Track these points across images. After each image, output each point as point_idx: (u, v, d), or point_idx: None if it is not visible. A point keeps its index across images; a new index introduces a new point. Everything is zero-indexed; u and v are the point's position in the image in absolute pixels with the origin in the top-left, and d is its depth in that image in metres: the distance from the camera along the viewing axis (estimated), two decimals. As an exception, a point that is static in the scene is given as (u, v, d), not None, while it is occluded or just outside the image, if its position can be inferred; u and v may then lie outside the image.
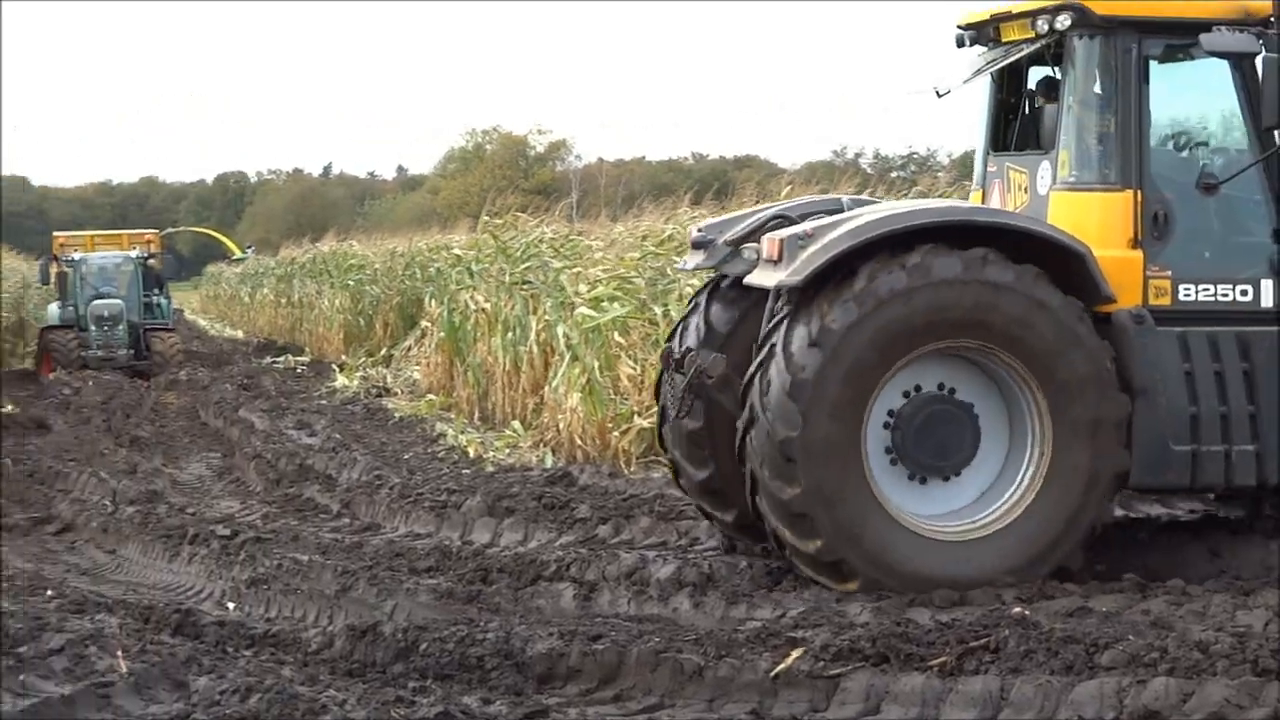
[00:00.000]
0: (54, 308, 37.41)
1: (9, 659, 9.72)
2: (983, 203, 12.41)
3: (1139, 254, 11.44)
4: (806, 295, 10.88)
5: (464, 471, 18.13)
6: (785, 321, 10.93)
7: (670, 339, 12.59)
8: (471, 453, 19.99)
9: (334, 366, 34.59)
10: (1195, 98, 12.20)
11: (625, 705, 9.00)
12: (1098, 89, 11.56)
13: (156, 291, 38.08)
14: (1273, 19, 11.68)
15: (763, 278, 11.18)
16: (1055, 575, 10.98)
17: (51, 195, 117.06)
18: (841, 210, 11.99)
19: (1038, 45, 11.84)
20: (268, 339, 50.74)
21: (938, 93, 12.54)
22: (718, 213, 28.62)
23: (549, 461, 18.97)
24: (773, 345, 10.92)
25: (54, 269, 38.07)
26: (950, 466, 11.21)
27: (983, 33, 12.47)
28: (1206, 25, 11.53)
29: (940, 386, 11.18)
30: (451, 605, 11.29)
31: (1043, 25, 11.73)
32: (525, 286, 23.37)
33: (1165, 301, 11.49)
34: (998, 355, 11.03)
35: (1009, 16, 12.17)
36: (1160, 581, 11.03)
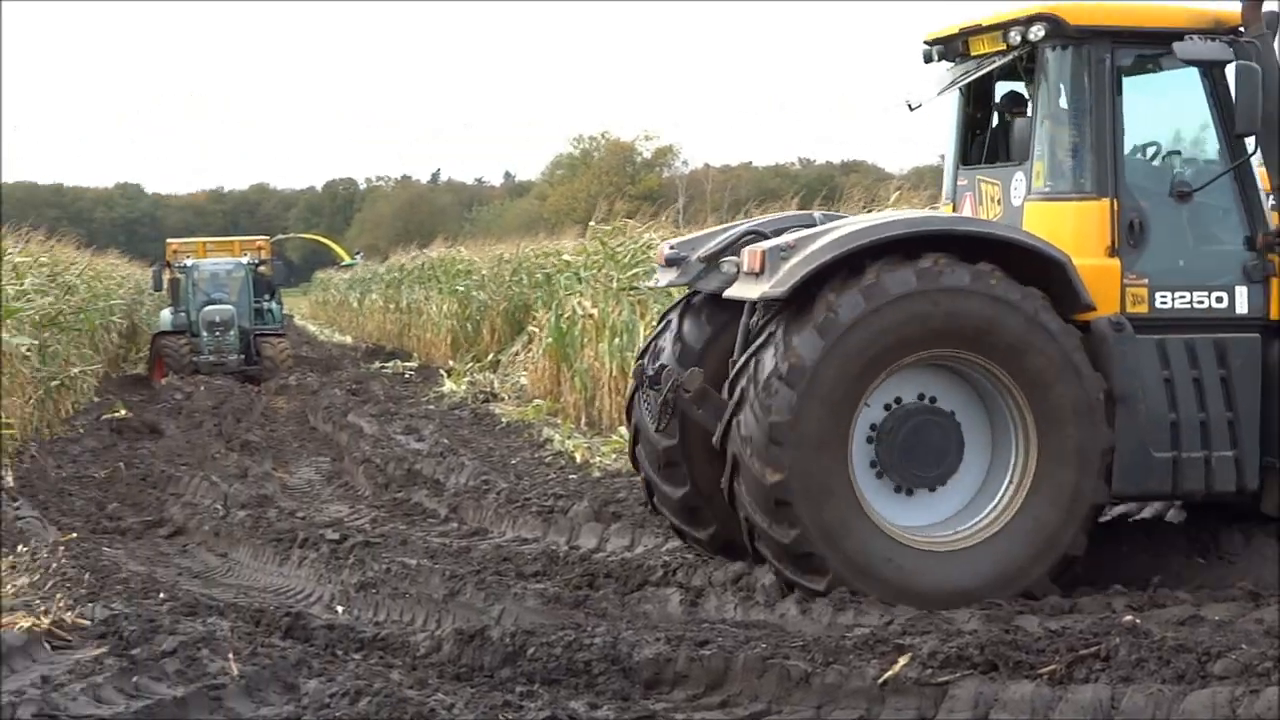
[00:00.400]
0: (167, 313, 37.83)
1: (123, 661, 9.85)
2: None
3: (1116, 262, 11.46)
4: (805, 293, 10.80)
5: (570, 476, 18.17)
6: (787, 314, 10.84)
7: (641, 356, 12.57)
8: (578, 458, 20.03)
9: (442, 372, 34.77)
10: (1167, 106, 12.22)
11: (732, 711, 8.97)
12: (1071, 99, 11.57)
13: (267, 297, 38.43)
14: (1242, 27, 11.70)
15: (745, 290, 11.12)
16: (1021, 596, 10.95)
17: (165, 202, 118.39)
18: (813, 224, 11.97)
19: (1010, 57, 11.83)
20: (376, 344, 51.11)
21: (910, 106, 12.61)
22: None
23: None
24: (770, 335, 10.87)
25: (167, 275, 38.51)
26: (936, 477, 11.19)
27: (950, 47, 12.48)
28: (1178, 34, 11.56)
29: (921, 396, 11.17)
30: (558, 610, 11.32)
31: (1015, 37, 11.71)
32: (632, 292, 23.43)
33: (1143, 309, 11.52)
34: (990, 371, 11.01)
35: (979, 30, 12.14)
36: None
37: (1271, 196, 11.87)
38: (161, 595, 11.90)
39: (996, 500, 11.12)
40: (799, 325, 10.72)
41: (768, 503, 10.75)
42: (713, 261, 11.87)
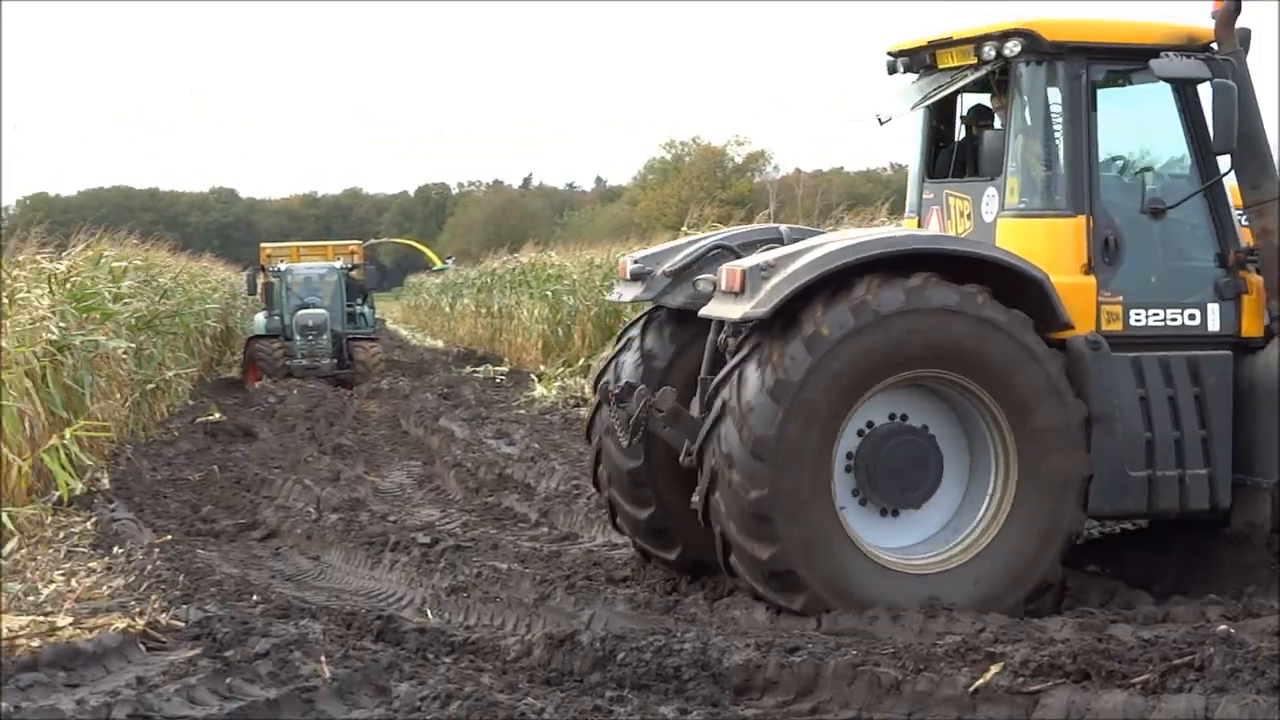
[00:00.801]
0: (260, 317, 38.12)
1: (216, 662, 9.93)
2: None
3: (1092, 280, 11.40)
4: (782, 312, 10.66)
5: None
6: (771, 329, 10.67)
7: (603, 374, 12.42)
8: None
9: (532, 376, 34.86)
10: (1139, 123, 12.15)
11: (822, 718, 8.95)
12: (1047, 115, 11.50)
13: (359, 301, 38.65)
14: (1215, 44, 11.67)
15: (723, 309, 10.92)
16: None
17: (259, 207, 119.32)
18: (780, 239, 11.94)
19: (983, 71, 11.73)
20: (467, 349, 51.29)
21: (880, 120, 12.48)
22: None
23: None
24: (754, 348, 10.70)
25: (261, 279, 38.80)
26: (916, 498, 11.09)
27: (917, 59, 12.38)
28: (1153, 51, 11.50)
29: (901, 417, 11.06)
30: (648, 615, 11.35)
31: (989, 51, 11.61)
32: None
33: (1117, 327, 11.47)
34: (973, 394, 10.90)
35: (949, 43, 12.06)
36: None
37: (1243, 214, 11.91)
38: (254, 598, 11.99)
39: (973, 525, 11.03)
40: (785, 340, 10.58)
41: (747, 518, 10.59)
42: (679, 276, 11.77)
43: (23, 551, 14.69)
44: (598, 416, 12.27)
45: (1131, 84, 11.77)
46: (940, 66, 12.17)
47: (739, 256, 11.59)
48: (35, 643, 10.55)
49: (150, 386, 26.21)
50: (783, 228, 12.31)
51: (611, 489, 12.29)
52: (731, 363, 10.82)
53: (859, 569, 10.62)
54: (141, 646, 10.42)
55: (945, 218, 12.18)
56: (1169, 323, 11.59)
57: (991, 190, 11.75)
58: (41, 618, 11.39)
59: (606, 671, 9.67)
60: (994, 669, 8.91)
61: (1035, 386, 10.76)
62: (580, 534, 15.42)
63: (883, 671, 9.01)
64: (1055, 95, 11.47)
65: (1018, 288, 10.98)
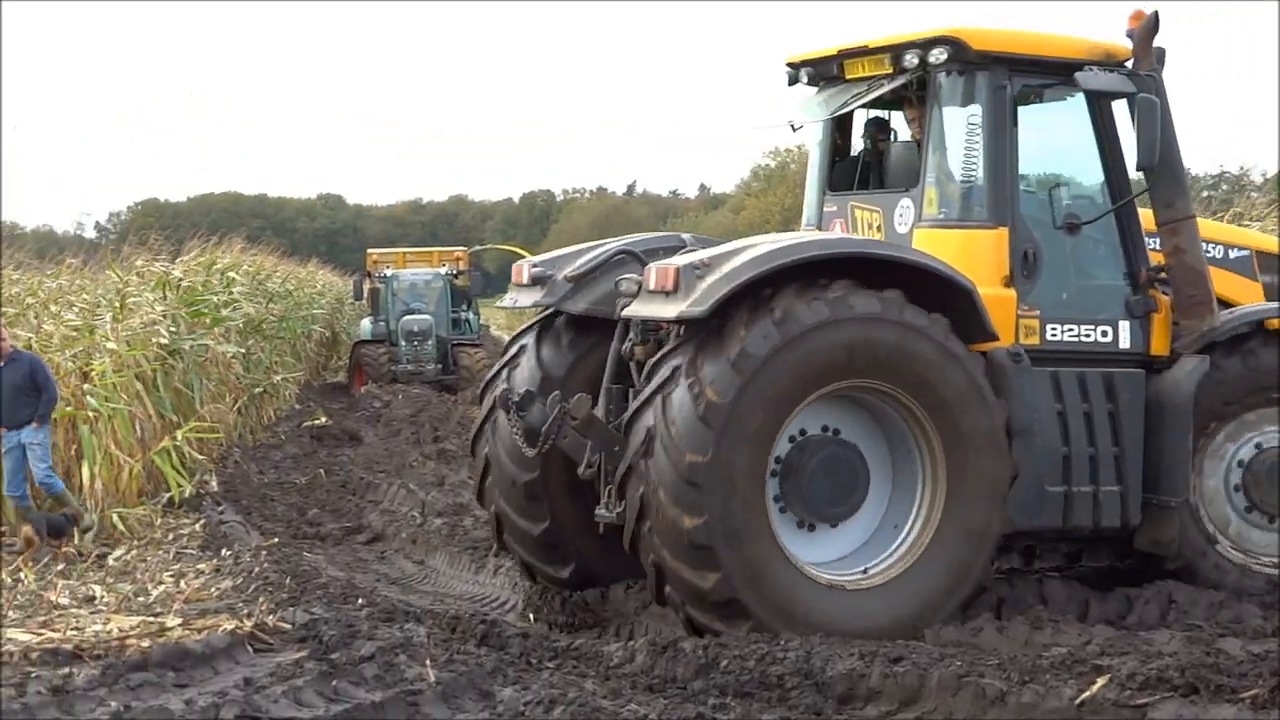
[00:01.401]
0: (366, 323, 38.39)
1: (322, 665, 10.01)
2: None
3: (1012, 293, 11.28)
4: (707, 325, 10.35)
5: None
6: (691, 346, 10.36)
7: (492, 381, 11.96)
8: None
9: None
10: (1055, 138, 12.00)
11: (925, 729, 8.92)
12: (969, 126, 11.33)
13: (464, 307, 38.83)
14: (1132, 61, 11.60)
15: (653, 309, 10.50)
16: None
17: (366, 213, 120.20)
18: (683, 246, 11.63)
19: (904, 79, 11.52)
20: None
21: (793, 127, 12.27)
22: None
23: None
24: (676, 369, 10.33)
25: (367, 285, 39.08)
26: (840, 513, 10.80)
27: (822, 70, 12.14)
28: (1075, 65, 11.44)
29: (824, 429, 10.76)
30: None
31: (911, 60, 11.40)
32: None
33: (1034, 341, 11.36)
34: (900, 401, 10.69)
35: (862, 52, 11.80)
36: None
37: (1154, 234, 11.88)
38: (360, 601, 12.08)
39: (904, 535, 10.80)
40: (709, 358, 10.24)
41: (685, 548, 10.23)
42: (581, 282, 11.43)
43: (133, 553, 14.90)
44: (487, 426, 11.78)
45: (1048, 99, 11.64)
46: (849, 76, 11.95)
47: (643, 262, 11.20)
48: (145, 643, 10.70)
49: (258, 390, 26.48)
50: (686, 236, 12.02)
51: (501, 502, 11.78)
52: (652, 385, 10.40)
53: (801, 590, 10.35)
54: (249, 648, 10.53)
55: (850, 230, 11.97)
56: (1083, 339, 11.54)
57: (906, 201, 11.58)
58: (151, 618, 11.55)
59: (709, 679, 9.66)
60: (1100, 681, 8.83)
61: (960, 390, 10.59)
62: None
63: (987, 683, 8.95)
64: (977, 106, 11.32)
65: (943, 297, 10.76)
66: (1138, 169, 11.48)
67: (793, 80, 12.34)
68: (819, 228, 12.24)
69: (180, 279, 23.57)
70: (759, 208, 78.27)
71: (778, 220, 64.12)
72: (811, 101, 12.23)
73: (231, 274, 27.88)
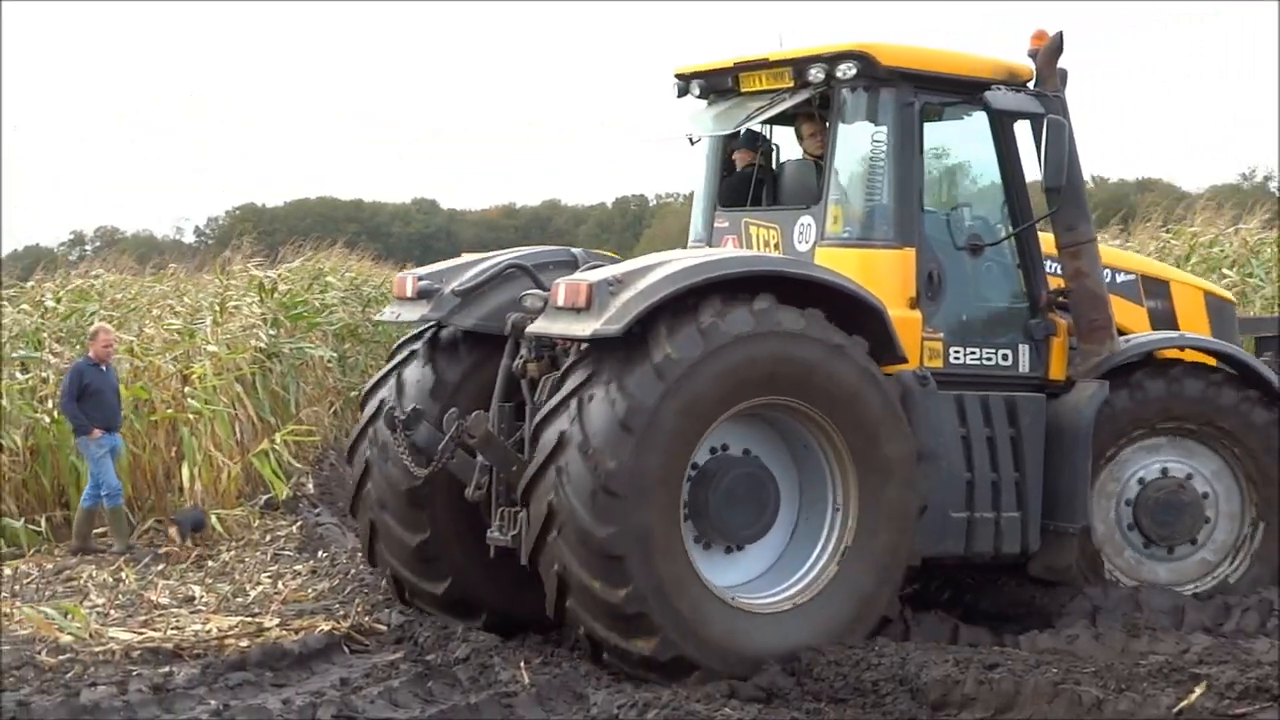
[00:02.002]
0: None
1: (418, 666, 10.09)
2: None
3: (918, 315, 11.02)
4: (618, 341, 9.83)
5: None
6: (604, 357, 9.86)
7: (371, 393, 11.37)
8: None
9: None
10: (957, 157, 11.83)
11: (1020, 736, 8.87)
12: (874, 143, 11.06)
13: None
14: (1039, 81, 11.44)
15: (563, 326, 9.99)
16: None
17: (459, 218, 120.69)
18: (574, 261, 11.24)
19: (808, 94, 11.24)
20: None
21: (691, 140, 11.98)
22: (1120, 238, 28.19)
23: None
24: (590, 375, 9.83)
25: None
26: (749, 534, 10.33)
27: (714, 82, 11.82)
28: (981, 84, 11.26)
29: (726, 448, 10.27)
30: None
31: (817, 74, 11.08)
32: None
33: (938, 364, 11.11)
34: (815, 422, 10.26)
35: (762, 65, 11.49)
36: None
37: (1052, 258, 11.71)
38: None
39: (812, 562, 10.37)
40: (630, 366, 9.78)
41: (596, 558, 9.64)
42: (469, 296, 10.93)
43: (231, 553, 15.05)
44: (368, 432, 11.21)
45: (949, 117, 11.44)
46: (744, 90, 11.65)
47: (535, 277, 10.94)
48: (244, 643, 10.83)
49: (353, 394, 26.65)
50: (577, 251, 11.54)
51: (379, 511, 11.11)
52: (564, 391, 9.92)
53: (709, 609, 9.86)
54: (345, 649, 10.64)
55: (745, 246, 11.62)
56: (984, 362, 11.33)
57: (807, 219, 11.26)
58: (249, 619, 11.67)
59: (803, 685, 9.66)
60: (1199, 690, 8.78)
61: (877, 413, 10.24)
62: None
63: (1084, 690, 8.90)
64: (884, 123, 11.04)
65: (854, 318, 10.39)
66: (1045, 190, 11.27)
67: (682, 92, 11.99)
68: (709, 244, 11.89)
69: (274, 283, 23.79)
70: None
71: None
72: (705, 115, 11.90)
73: (329, 279, 28.10)
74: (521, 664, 9.91)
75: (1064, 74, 11.54)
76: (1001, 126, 11.43)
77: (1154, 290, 12.68)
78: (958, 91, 11.30)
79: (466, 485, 10.57)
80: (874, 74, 11.00)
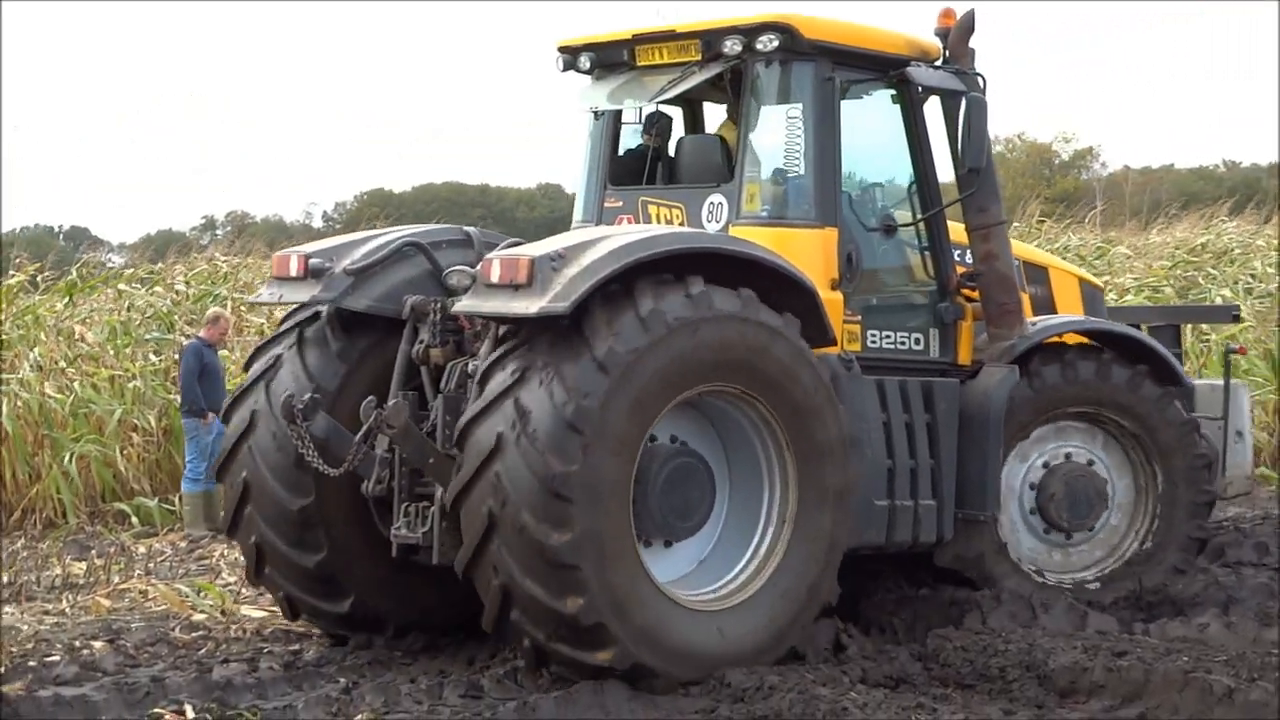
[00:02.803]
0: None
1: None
2: None
3: (839, 296, 10.56)
4: (554, 324, 9.16)
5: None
6: (540, 346, 9.18)
7: (246, 393, 10.23)
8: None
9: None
10: (870, 135, 11.20)
11: (1149, 724, 8.79)
12: (790, 119, 10.61)
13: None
14: (952, 58, 11.15)
15: (500, 305, 9.18)
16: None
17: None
18: (470, 241, 10.53)
19: (723, 66, 10.73)
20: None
21: (595, 114, 11.41)
22: (1254, 222, 27.82)
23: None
24: (524, 370, 9.08)
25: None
26: (687, 528, 9.72)
27: (607, 55, 11.19)
28: (897, 60, 10.94)
29: (654, 439, 9.55)
30: (971, 613, 11.21)
31: (733, 46, 10.57)
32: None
33: (857, 348, 10.71)
34: (753, 406, 9.71)
35: (666, 36, 10.95)
36: None
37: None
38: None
39: (753, 552, 9.80)
40: (567, 359, 9.06)
41: (546, 568, 8.90)
42: (361, 275, 10.07)
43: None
44: (243, 446, 10.12)
45: (860, 94, 11.01)
46: (641, 63, 11.08)
47: (431, 255, 10.22)
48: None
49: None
50: (471, 230, 10.74)
51: (266, 531, 10.10)
52: (495, 388, 9.14)
53: (665, 613, 9.25)
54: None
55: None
56: (899, 346, 11.02)
57: (718, 198, 10.72)
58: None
59: (930, 670, 9.64)
60: (1333, 681, 8.66)
61: (814, 395, 9.75)
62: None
63: (1214, 679, 8.79)
64: (802, 99, 10.60)
65: (783, 299, 9.84)
66: (968, 171, 10.99)
67: (568, 66, 11.39)
68: (597, 224, 11.21)
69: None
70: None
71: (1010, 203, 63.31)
72: (596, 89, 11.31)
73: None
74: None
75: (973, 53, 11.25)
76: (913, 105, 11.11)
77: (1034, 276, 12.42)
78: (875, 67, 10.95)
79: (364, 480, 9.79)
80: (795, 47, 10.56)
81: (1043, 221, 28.04)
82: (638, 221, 11.06)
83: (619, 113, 11.42)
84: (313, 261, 10.12)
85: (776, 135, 10.68)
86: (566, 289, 8.99)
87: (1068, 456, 11.64)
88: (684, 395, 9.42)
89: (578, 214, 11.54)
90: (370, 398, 9.57)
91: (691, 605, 9.47)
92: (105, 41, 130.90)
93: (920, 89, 11.02)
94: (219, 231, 52.77)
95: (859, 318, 10.79)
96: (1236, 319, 15.64)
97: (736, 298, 9.52)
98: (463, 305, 9.50)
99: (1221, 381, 13.18)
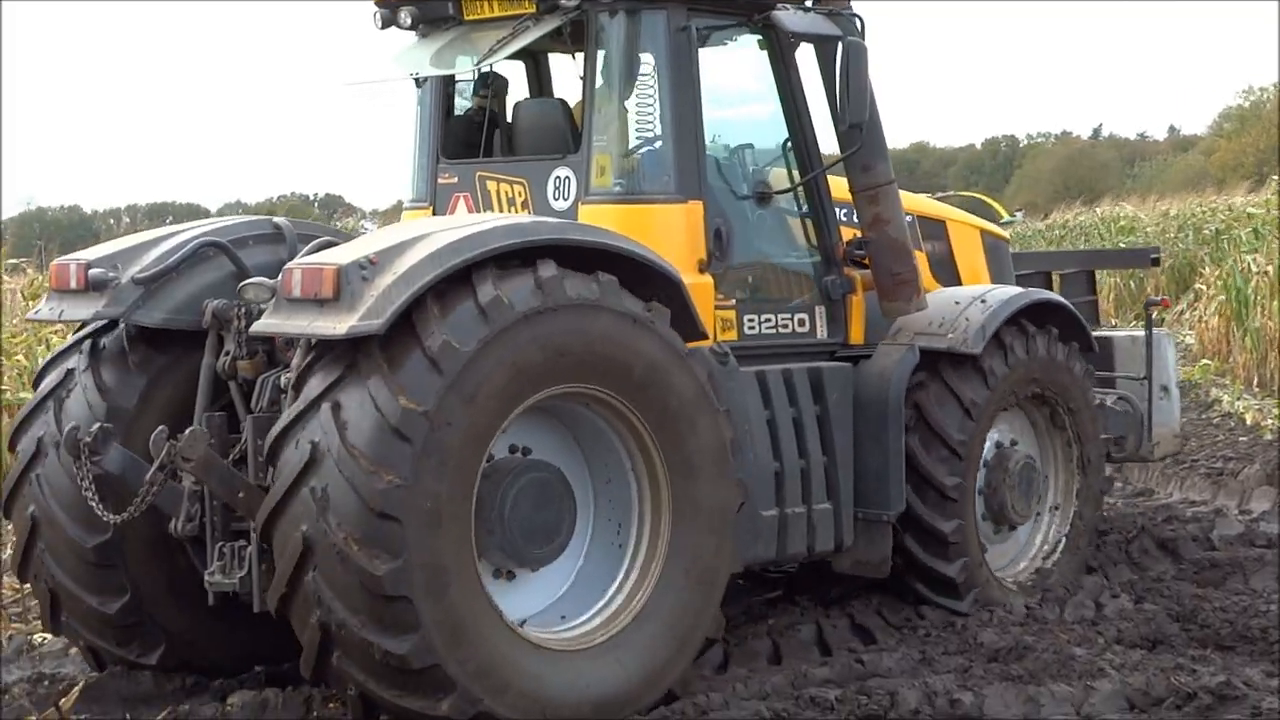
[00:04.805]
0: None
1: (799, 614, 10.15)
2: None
3: (709, 279, 9.36)
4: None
5: (1240, 439, 17.62)
6: (359, 346, 7.84)
7: (29, 419, 8.99)
8: (1248, 420, 19.40)
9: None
10: (733, 91, 10.16)
11: None
12: (641, 77, 9.43)
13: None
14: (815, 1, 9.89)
15: (305, 323, 7.87)
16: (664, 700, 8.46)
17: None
18: (280, 235, 9.26)
19: (561, 19, 9.46)
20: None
21: (418, 81, 10.10)
22: None
23: (1330, 431, 18.22)
24: (340, 374, 7.83)
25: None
26: (543, 554, 8.43)
27: (429, 10, 9.87)
28: (759, 4, 9.64)
29: (515, 449, 8.46)
30: (1229, 575, 11.01)
31: None
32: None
33: (733, 336, 9.52)
34: (617, 411, 8.47)
35: None
36: None
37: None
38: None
39: (620, 581, 8.60)
40: (395, 357, 7.79)
41: (370, 601, 7.65)
42: (155, 284, 8.79)
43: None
44: (30, 478, 8.88)
45: (719, 43, 9.81)
46: (468, 17, 9.83)
47: (234, 255, 8.97)
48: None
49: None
50: (280, 221, 9.49)
51: (59, 574, 8.86)
52: (309, 393, 7.90)
53: (512, 652, 8.00)
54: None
55: (481, 206, 9.82)
56: (780, 329, 9.81)
57: (564, 171, 9.52)
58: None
59: (1188, 631, 9.49)
60: None
61: (689, 396, 8.50)
62: (1156, 490, 15.13)
63: None
64: (655, 51, 9.41)
65: (641, 291, 8.56)
66: (849, 127, 9.66)
67: (387, 23, 10.03)
68: (431, 204, 10.07)
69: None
70: (1232, 150, 75.57)
71: (1250, 165, 61.72)
72: (419, 50, 10.05)
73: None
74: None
75: None
76: (783, 52, 9.91)
77: (930, 231, 11.36)
78: (734, 12, 9.72)
79: (171, 518, 8.51)
80: None
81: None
82: (475, 200, 9.87)
83: (446, 78, 10.20)
84: (93, 272, 8.79)
85: (626, 96, 9.50)
86: (379, 303, 7.72)
87: (998, 445, 10.58)
88: (535, 398, 8.15)
89: (408, 193, 10.29)
90: (160, 428, 8.22)
91: (549, 645, 8.22)
92: (106, 41, 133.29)
93: (790, 35, 9.84)
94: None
95: (732, 302, 9.64)
96: (1156, 263, 14.43)
97: (594, 283, 8.28)
98: (261, 325, 8.19)
99: (1142, 334, 12.11)
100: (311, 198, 65.66)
